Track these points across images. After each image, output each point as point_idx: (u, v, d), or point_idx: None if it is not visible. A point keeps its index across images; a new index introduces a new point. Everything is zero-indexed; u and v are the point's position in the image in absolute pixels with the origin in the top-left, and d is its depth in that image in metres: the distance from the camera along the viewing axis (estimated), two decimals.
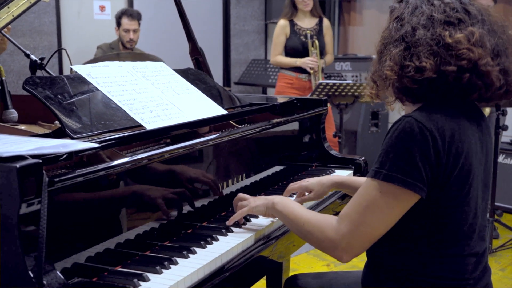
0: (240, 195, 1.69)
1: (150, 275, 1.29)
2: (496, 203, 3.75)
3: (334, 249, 1.36)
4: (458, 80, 1.31)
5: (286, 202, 1.56)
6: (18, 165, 1.06)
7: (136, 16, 4.64)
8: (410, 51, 1.33)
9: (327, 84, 3.86)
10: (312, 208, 1.92)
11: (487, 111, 3.68)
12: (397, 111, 1.51)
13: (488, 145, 1.44)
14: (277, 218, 1.66)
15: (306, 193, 1.86)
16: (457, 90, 1.33)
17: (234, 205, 1.68)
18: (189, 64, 2.35)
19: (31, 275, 1.06)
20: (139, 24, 4.67)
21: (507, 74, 1.35)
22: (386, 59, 1.37)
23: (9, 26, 1.97)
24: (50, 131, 1.51)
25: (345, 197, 2.10)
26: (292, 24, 4.50)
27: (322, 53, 4.51)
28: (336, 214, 2.07)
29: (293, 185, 1.86)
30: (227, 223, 1.61)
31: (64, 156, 1.24)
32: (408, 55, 1.33)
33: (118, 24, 4.65)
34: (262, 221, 1.67)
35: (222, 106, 1.94)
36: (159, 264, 1.34)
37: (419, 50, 1.31)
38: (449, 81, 1.31)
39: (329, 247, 1.37)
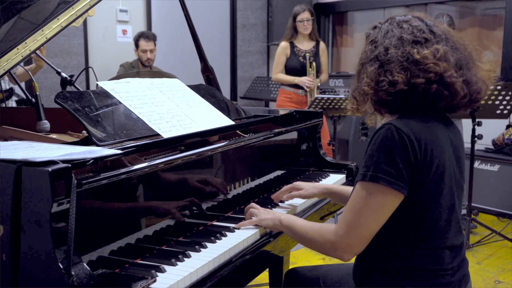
0: (253, 204, 1.69)
1: (166, 267, 1.29)
2: (472, 204, 3.73)
3: (335, 250, 1.36)
4: (426, 91, 1.32)
5: (290, 218, 1.55)
6: (50, 169, 1.07)
7: (152, 38, 4.64)
8: (384, 68, 1.35)
9: (322, 98, 3.86)
10: (310, 207, 1.91)
11: None
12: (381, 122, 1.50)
13: (460, 149, 1.45)
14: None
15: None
16: (426, 99, 1.35)
17: (246, 211, 1.68)
18: (200, 80, 2.35)
19: (61, 266, 1.07)
20: (155, 44, 4.67)
21: (469, 85, 1.36)
22: (363, 77, 1.39)
23: (44, 46, 1.98)
24: (78, 139, 1.51)
25: None
26: (292, 46, 4.51)
27: (318, 72, 4.51)
28: (331, 213, 2.07)
29: (286, 186, 1.87)
30: (235, 226, 1.59)
31: (91, 161, 1.24)
32: (382, 72, 1.35)
33: (136, 45, 4.65)
34: None
35: (230, 118, 1.94)
36: (174, 257, 1.34)
37: (392, 66, 1.33)
38: (419, 91, 1.33)
39: (330, 249, 1.37)
